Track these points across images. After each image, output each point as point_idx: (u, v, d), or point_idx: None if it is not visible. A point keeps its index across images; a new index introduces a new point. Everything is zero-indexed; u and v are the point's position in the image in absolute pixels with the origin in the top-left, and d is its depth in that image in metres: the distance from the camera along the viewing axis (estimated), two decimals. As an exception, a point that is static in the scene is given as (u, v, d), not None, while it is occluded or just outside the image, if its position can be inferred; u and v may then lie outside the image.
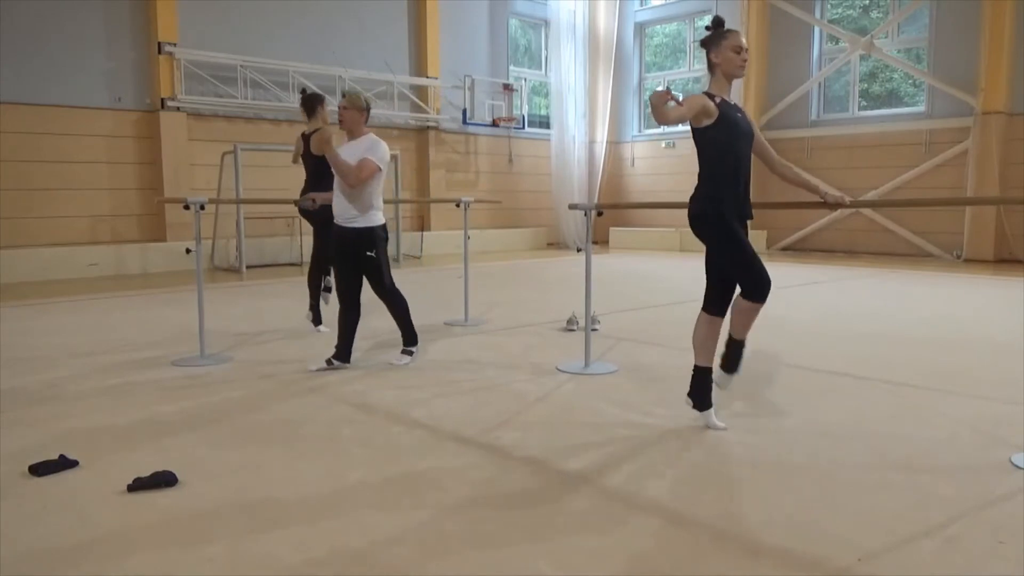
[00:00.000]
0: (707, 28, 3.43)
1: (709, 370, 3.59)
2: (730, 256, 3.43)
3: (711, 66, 3.40)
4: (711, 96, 3.34)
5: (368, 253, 4.69)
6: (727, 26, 3.44)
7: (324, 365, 4.77)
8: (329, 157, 4.65)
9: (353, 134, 4.76)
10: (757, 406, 3.93)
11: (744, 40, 3.40)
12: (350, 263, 4.77)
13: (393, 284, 4.85)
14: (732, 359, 3.57)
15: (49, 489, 2.82)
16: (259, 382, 4.47)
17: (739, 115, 3.42)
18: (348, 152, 4.71)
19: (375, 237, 4.70)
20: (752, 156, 3.50)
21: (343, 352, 4.82)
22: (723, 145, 3.36)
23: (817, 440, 3.38)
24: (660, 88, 3.08)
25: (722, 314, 3.57)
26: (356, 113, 4.73)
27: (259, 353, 5.26)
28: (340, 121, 4.77)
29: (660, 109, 3.07)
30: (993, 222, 11.73)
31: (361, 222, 4.67)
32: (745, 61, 3.38)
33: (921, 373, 4.64)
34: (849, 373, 4.65)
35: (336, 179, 4.74)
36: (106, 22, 10.45)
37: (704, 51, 3.41)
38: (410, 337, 4.96)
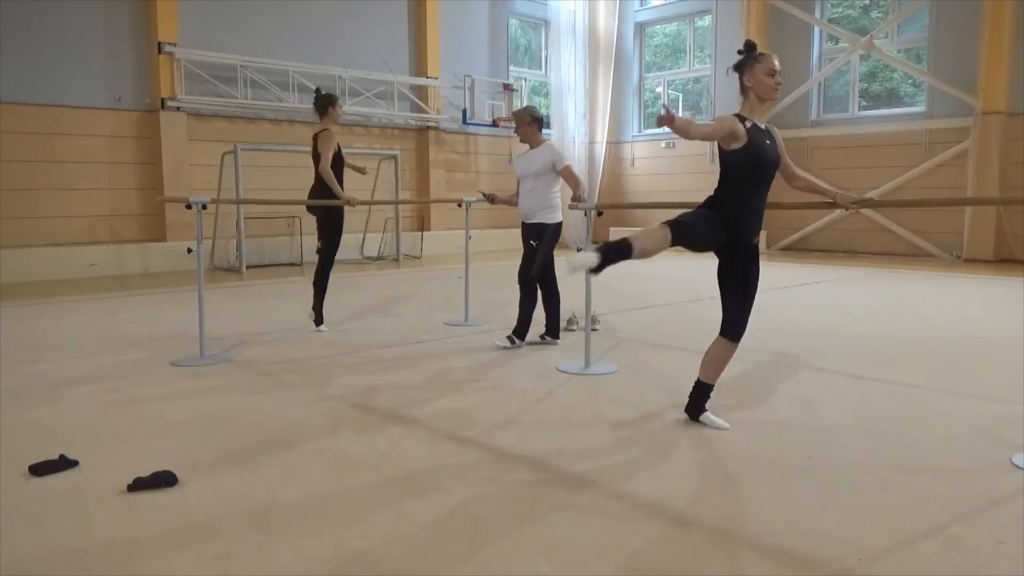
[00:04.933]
0: (739, 52, 3.39)
1: (710, 387, 3.60)
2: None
3: (743, 89, 3.37)
4: (742, 119, 3.29)
5: (532, 241, 5.33)
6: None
7: (507, 343, 5.32)
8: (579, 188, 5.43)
9: (532, 144, 5.42)
10: (757, 406, 3.93)
11: (777, 63, 3.34)
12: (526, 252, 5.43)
13: (534, 279, 5.38)
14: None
15: (49, 489, 2.82)
16: (259, 382, 4.47)
17: (768, 142, 3.35)
18: (528, 159, 5.39)
19: (543, 230, 5.32)
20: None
21: (521, 331, 5.39)
22: (746, 170, 3.29)
23: (817, 440, 3.38)
24: (662, 111, 3.01)
25: (736, 338, 3.52)
26: (525, 128, 5.37)
27: (259, 353, 5.26)
28: (520, 138, 5.43)
29: (681, 129, 3.03)
30: (993, 222, 11.72)
31: (538, 218, 5.36)
32: (779, 84, 3.34)
33: (921, 373, 4.64)
34: (849, 373, 4.64)
35: (522, 184, 5.42)
36: (106, 22, 10.44)
37: (737, 74, 3.38)
38: (522, 330, 5.42)
